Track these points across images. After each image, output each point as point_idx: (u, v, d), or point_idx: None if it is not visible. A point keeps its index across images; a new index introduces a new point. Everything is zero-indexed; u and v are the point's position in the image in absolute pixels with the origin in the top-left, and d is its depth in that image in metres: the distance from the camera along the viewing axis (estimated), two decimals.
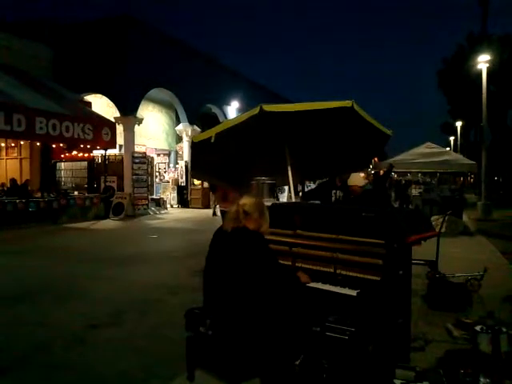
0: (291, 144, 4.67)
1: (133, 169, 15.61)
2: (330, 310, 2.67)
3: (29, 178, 14.84)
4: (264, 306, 2.49)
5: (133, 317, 4.49)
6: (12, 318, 4.46)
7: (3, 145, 15.86)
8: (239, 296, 2.45)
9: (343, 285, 2.80)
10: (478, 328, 3.29)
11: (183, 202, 19.35)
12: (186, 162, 19.52)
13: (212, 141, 4.28)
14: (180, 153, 21.76)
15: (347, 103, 3.93)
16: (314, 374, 2.59)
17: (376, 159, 14.75)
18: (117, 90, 15.87)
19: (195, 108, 20.24)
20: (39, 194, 13.30)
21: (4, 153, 16.28)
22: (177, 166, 20.94)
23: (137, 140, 17.44)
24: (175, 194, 19.64)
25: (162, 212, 16.73)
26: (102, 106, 17.17)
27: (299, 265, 3.11)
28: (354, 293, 2.65)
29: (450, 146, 41.47)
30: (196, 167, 5.59)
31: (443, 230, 7.85)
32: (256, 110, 3.94)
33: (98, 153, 15.92)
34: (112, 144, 14.47)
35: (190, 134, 19.54)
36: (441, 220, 8.59)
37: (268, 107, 3.94)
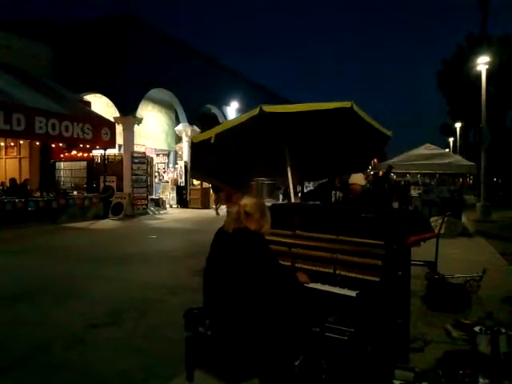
0: (291, 145, 4.67)
1: (132, 169, 15.60)
2: (330, 311, 2.68)
3: (28, 177, 14.83)
4: (264, 306, 2.49)
5: (132, 317, 4.49)
6: (11, 318, 4.46)
7: (2, 144, 15.85)
8: (239, 296, 2.46)
9: (342, 285, 2.80)
10: (476, 329, 3.30)
11: (182, 202, 19.34)
12: (185, 162, 19.52)
13: (212, 141, 4.29)
14: (179, 153, 21.76)
15: (347, 104, 3.93)
16: (314, 375, 2.60)
17: (375, 160, 14.76)
18: (116, 90, 15.87)
19: (195, 108, 20.24)
20: (38, 194, 13.30)
21: (3, 152, 16.27)
22: (176, 166, 20.94)
23: (136, 140, 17.44)
24: (174, 194, 19.64)
25: (162, 212, 16.73)
26: (102, 105, 17.16)
27: (299, 265, 3.12)
28: (353, 293, 2.66)
29: (449, 147, 41.53)
30: (196, 168, 5.59)
31: (442, 231, 7.86)
32: (256, 111, 3.94)
33: (97, 152, 15.91)
34: (111, 144, 14.47)
35: (189, 134, 19.53)
36: (440, 221, 8.60)
37: (268, 108, 3.94)
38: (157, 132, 21.40)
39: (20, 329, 4.15)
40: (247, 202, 2.67)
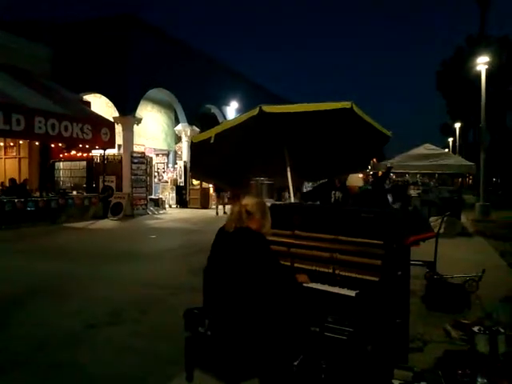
0: (290, 145, 4.68)
1: (132, 169, 15.59)
2: (329, 311, 2.68)
3: (27, 177, 14.82)
4: (263, 306, 2.50)
5: (132, 316, 4.49)
6: (11, 318, 4.46)
7: (2, 144, 15.83)
8: (239, 296, 2.46)
9: (342, 285, 2.81)
10: (475, 329, 3.31)
11: (182, 202, 19.34)
12: (184, 162, 19.51)
13: (211, 141, 4.30)
14: (179, 153, 21.75)
15: (347, 104, 3.94)
16: (313, 375, 2.60)
17: (375, 160, 14.77)
18: (116, 90, 15.87)
19: (194, 108, 20.24)
20: (38, 194, 13.29)
21: (3, 152, 16.25)
22: (175, 166, 20.93)
23: (136, 140, 17.43)
24: (174, 194, 19.64)
25: (161, 212, 16.72)
26: (101, 105, 17.16)
27: (298, 265, 3.12)
28: (352, 293, 2.66)
29: (448, 148, 41.56)
30: (195, 167, 5.61)
31: (441, 230, 7.84)
32: (255, 111, 3.95)
33: (96, 152, 15.90)
34: (111, 144, 14.46)
35: (188, 134, 19.53)
36: (439, 221, 8.59)
37: (267, 108, 3.95)
38: (156, 132, 21.40)
39: (19, 328, 4.15)
40: (248, 201, 2.68)
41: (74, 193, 14.71)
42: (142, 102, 17.39)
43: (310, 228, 3.15)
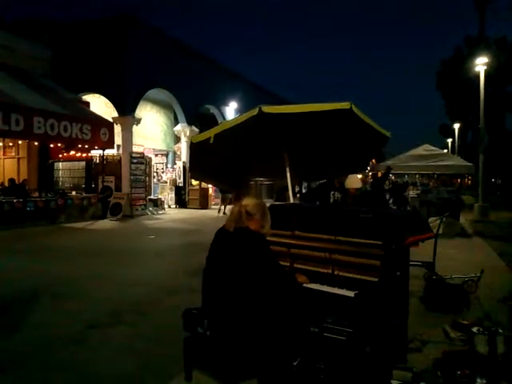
0: (290, 145, 4.68)
1: (131, 169, 15.58)
2: (328, 311, 2.69)
3: (26, 177, 14.80)
4: (263, 306, 2.50)
5: (131, 317, 4.49)
6: (11, 318, 4.46)
7: (1, 144, 15.82)
8: (238, 296, 2.46)
9: (341, 286, 2.81)
10: (474, 329, 3.32)
11: (181, 202, 19.33)
12: (183, 162, 19.51)
13: (211, 142, 4.30)
14: (178, 153, 21.74)
15: (346, 105, 3.94)
16: (312, 375, 2.60)
17: (374, 161, 14.79)
18: (115, 90, 15.86)
19: (193, 108, 20.24)
20: (37, 194, 13.27)
21: (2, 152, 16.24)
22: (175, 166, 20.92)
23: (135, 140, 17.42)
24: (173, 195, 19.63)
25: (160, 212, 16.71)
26: (101, 105, 17.15)
27: (297, 266, 3.12)
28: (351, 294, 2.66)
29: (447, 148, 41.62)
30: (195, 168, 5.60)
31: (440, 231, 7.84)
32: (255, 111, 3.95)
33: (95, 153, 15.88)
34: (110, 144, 14.45)
35: (188, 134, 19.53)
36: (438, 221, 8.60)
37: (267, 108, 3.95)
38: (155, 132, 21.39)
39: (19, 329, 4.14)
40: (248, 202, 2.69)
41: (73, 193, 14.71)
42: (141, 103, 17.39)
43: (309, 228, 3.15)
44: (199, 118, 20.93)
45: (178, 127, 20.21)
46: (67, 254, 8.08)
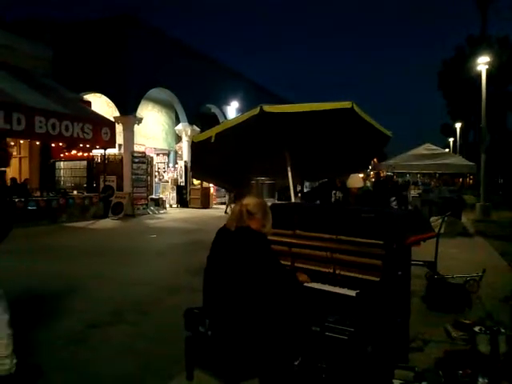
0: (291, 144, 4.68)
1: (132, 168, 15.59)
2: (330, 311, 2.68)
3: (28, 177, 14.82)
4: (264, 306, 2.50)
5: (132, 316, 4.49)
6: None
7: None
8: (239, 295, 2.46)
9: (342, 285, 2.81)
10: (476, 329, 3.31)
11: (182, 201, 19.34)
12: (185, 161, 19.51)
13: (212, 141, 4.30)
14: (179, 153, 21.75)
15: (347, 104, 3.94)
16: (313, 374, 2.60)
17: (375, 160, 14.78)
18: (116, 90, 15.87)
19: (195, 108, 20.24)
20: (38, 193, 13.29)
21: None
22: (176, 165, 20.93)
23: (136, 139, 17.43)
24: (174, 194, 19.63)
25: (161, 212, 16.72)
26: (102, 105, 17.16)
27: (299, 265, 3.12)
28: (353, 293, 2.66)
29: (449, 148, 41.58)
30: (196, 167, 5.61)
31: (442, 230, 7.83)
32: (256, 111, 3.95)
33: (97, 152, 15.90)
34: (111, 143, 14.46)
35: (189, 133, 19.53)
36: (440, 221, 8.59)
37: (268, 108, 3.95)
38: (157, 131, 21.40)
39: (19, 329, 4.14)
40: (249, 201, 2.69)
41: (75, 192, 14.71)
42: (142, 102, 17.40)
43: (310, 228, 3.15)
44: (200, 117, 20.93)
45: (180, 126, 20.22)
46: (68, 254, 8.09)
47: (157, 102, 20.49)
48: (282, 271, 2.69)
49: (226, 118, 21.68)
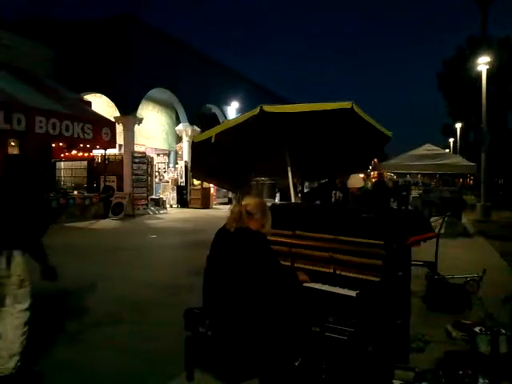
0: (291, 145, 4.68)
1: (132, 168, 15.58)
2: (330, 311, 2.68)
3: None
4: (264, 306, 2.49)
5: (132, 316, 4.49)
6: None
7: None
8: (239, 296, 2.46)
9: (342, 285, 2.80)
10: (476, 329, 3.31)
11: (183, 202, 19.34)
12: (185, 161, 19.51)
13: (212, 141, 4.30)
14: (180, 153, 21.74)
15: (347, 104, 3.94)
16: (314, 375, 2.60)
17: (376, 160, 14.78)
18: (117, 90, 15.86)
19: (195, 108, 20.24)
20: None
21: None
22: (176, 165, 20.93)
23: (136, 140, 17.43)
24: (175, 194, 19.64)
25: (162, 212, 16.72)
26: (102, 105, 17.15)
27: (299, 265, 3.12)
28: (353, 293, 2.66)
29: (449, 148, 41.56)
30: (196, 167, 5.60)
31: (442, 231, 7.85)
32: (256, 111, 3.95)
33: (97, 152, 15.89)
34: (112, 144, 14.44)
35: (189, 133, 19.54)
36: (440, 221, 8.60)
37: (268, 108, 3.95)
38: (157, 132, 21.40)
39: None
40: (249, 201, 2.69)
41: (75, 192, 14.71)
42: (142, 102, 17.40)
43: (310, 228, 3.15)
44: (201, 117, 20.94)
45: (180, 127, 20.22)
46: (68, 254, 8.07)
47: (157, 102, 20.48)
48: (281, 271, 2.69)
49: (226, 118, 21.67)
